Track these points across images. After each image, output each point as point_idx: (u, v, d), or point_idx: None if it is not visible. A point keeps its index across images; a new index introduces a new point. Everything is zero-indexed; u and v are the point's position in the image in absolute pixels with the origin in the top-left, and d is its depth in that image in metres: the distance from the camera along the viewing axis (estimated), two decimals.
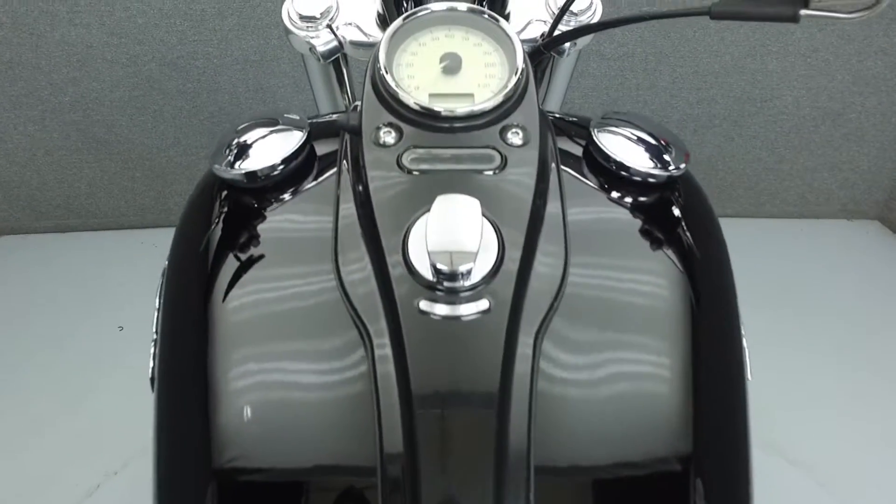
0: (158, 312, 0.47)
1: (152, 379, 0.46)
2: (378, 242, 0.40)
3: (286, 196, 0.48)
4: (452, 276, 0.37)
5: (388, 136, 0.44)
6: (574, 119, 0.58)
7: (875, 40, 1.55)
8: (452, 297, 0.38)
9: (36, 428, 1.37)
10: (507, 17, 0.62)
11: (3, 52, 1.50)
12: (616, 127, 0.51)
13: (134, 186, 1.73)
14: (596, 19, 0.63)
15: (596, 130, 0.51)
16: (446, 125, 0.44)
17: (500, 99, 0.44)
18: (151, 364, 0.47)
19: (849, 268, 1.72)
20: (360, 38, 0.63)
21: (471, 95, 0.46)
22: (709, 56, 1.56)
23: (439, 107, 0.44)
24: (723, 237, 0.51)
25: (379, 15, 0.62)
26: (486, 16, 0.49)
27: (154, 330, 0.47)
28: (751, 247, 1.75)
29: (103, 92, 1.57)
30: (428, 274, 0.38)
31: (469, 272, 0.37)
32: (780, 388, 1.44)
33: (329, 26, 0.62)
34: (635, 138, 0.51)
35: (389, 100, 0.45)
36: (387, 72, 0.45)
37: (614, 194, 0.49)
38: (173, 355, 0.44)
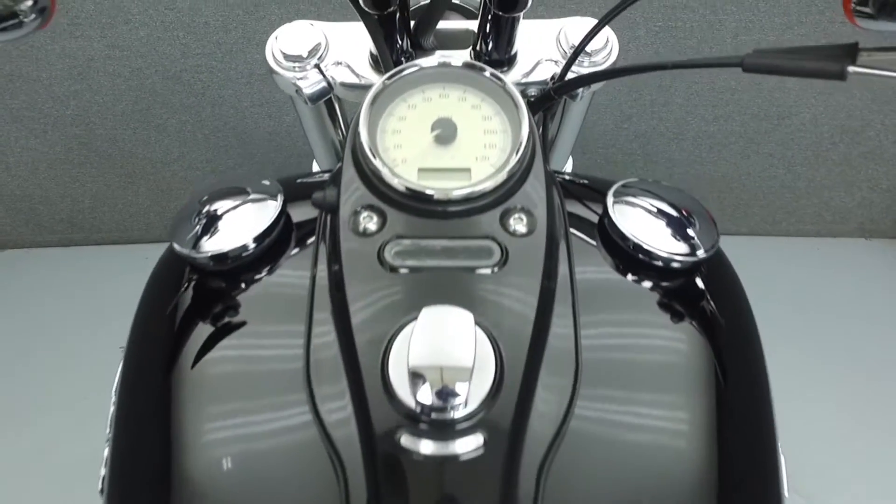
0: (114, 408, 0.41)
1: (102, 490, 0.40)
2: (355, 357, 0.34)
3: (259, 278, 0.42)
4: (439, 406, 0.31)
5: (370, 222, 0.37)
6: (588, 183, 0.52)
7: None
8: (440, 431, 0.32)
9: (34, 452, 1.34)
10: (513, 58, 0.57)
11: (2, 64, 1.47)
12: (636, 198, 0.45)
13: (138, 201, 1.70)
14: (612, 60, 0.57)
15: (613, 202, 0.45)
16: (438, 209, 0.37)
17: (501, 178, 0.38)
18: (102, 472, 0.41)
19: (866, 287, 1.68)
20: (352, 79, 0.56)
21: (467, 171, 0.40)
22: (725, 72, 1.52)
23: (430, 188, 0.37)
24: (756, 330, 0.44)
25: (372, 55, 0.57)
26: (486, 74, 0.42)
27: (108, 429, 0.41)
28: (765, 266, 1.71)
29: (105, 105, 1.54)
30: (410, 401, 0.32)
31: (459, 401, 0.31)
32: (797, 418, 1.40)
33: (317, 66, 0.56)
34: (656, 211, 0.44)
35: (372, 177, 0.38)
36: (370, 149, 0.39)
37: (633, 281, 0.42)
38: (130, 456, 0.38)
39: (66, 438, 1.31)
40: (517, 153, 0.39)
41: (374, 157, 0.39)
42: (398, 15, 0.49)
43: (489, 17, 0.51)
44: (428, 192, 0.38)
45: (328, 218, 0.41)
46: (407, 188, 0.38)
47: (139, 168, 1.65)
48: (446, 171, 0.40)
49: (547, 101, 0.54)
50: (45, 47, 1.44)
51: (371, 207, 0.38)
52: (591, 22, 0.57)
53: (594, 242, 0.45)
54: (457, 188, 0.38)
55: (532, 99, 0.55)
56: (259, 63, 1.49)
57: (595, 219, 0.46)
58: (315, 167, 0.74)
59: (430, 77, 0.43)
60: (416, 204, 0.38)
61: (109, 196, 1.69)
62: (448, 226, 0.37)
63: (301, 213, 0.46)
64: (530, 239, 0.37)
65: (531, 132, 0.40)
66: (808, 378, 1.48)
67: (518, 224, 0.38)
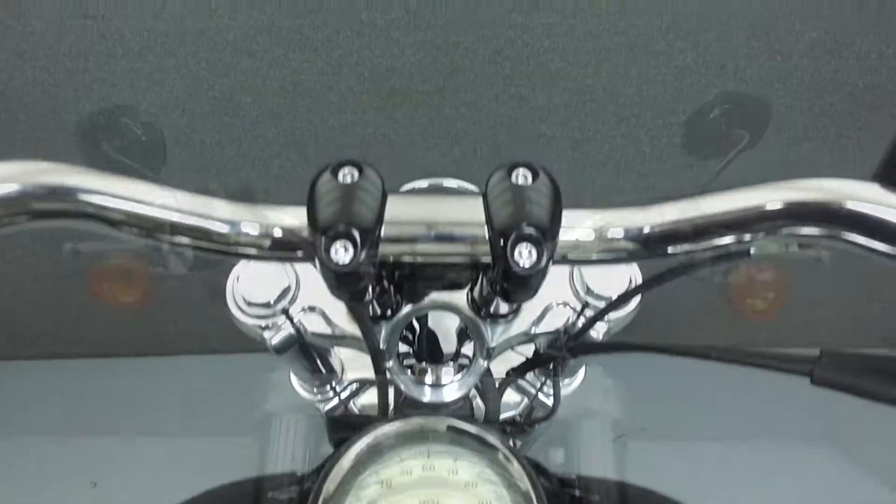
0: None
1: None
2: None
3: None
4: None
5: None
6: None
7: None
8: None
9: None
10: (518, 308, 0.48)
11: None
12: None
13: (125, 313, 1.63)
14: (633, 306, 0.49)
15: None
16: None
17: None
18: None
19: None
20: (325, 329, 0.48)
21: None
22: None
23: None
24: None
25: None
26: (497, 454, 0.34)
27: None
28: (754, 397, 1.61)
29: None
30: None
31: None
32: None
33: (285, 311, 0.48)
34: None
35: None
36: None
37: None
38: None
39: None
40: None
41: None
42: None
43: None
44: None
45: None
46: None
47: None
48: None
49: (558, 357, 0.46)
50: None
51: None
52: None
53: None
54: None
55: (541, 351, 0.49)
56: (257, 178, 1.46)
57: None
58: (293, 382, 0.66)
59: (409, 438, 0.34)
60: None
61: (95, 308, 1.63)
62: None
63: None
64: None
65: None
66: None
67: None
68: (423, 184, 0.45)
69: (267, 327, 0.48)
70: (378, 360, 0.44)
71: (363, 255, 0.31)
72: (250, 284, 0.49)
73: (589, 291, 0.48)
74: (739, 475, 1.44)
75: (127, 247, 0.50)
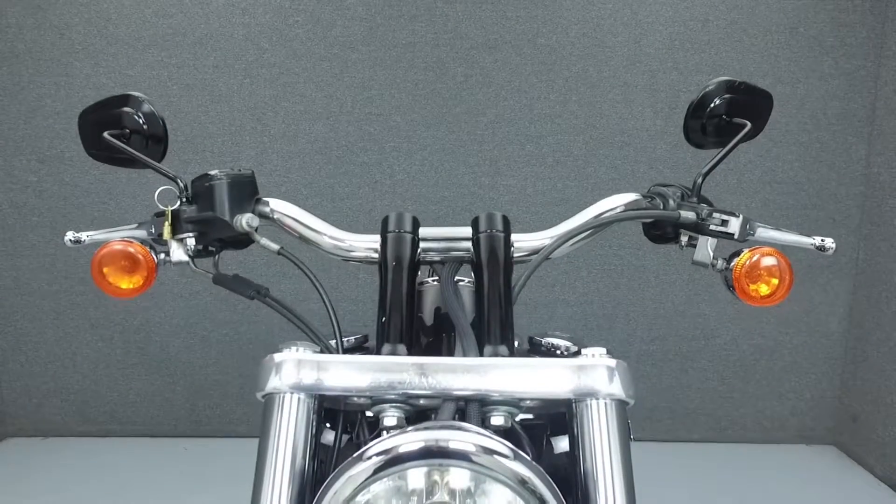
0: None
1: None
2: None
3: None
4: None
5: None
6: None
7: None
8: None
9: None
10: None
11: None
12: None
13: (174, 398, 2.01)
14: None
15: None
16: None
17: None
18: None
19: (807, 491, 1.81)
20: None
21: None
22: (654, 303, 1.92)
23: None
24: None
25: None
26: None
27: None
28: (713, 471, 1.88)
29: (165, 319, 1.95)
30: None
31: None
32: None
33: None
34: None
35: None
36: None
37: None
38: None
39: None
40: None
41: None
42: None
43: None
44: None
45: None
46: None
47: (180, 370, 1.99)
48: None
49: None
50: None
51: None
52: None
53: None
54: None
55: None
56: (291, 291, 1.92)
57: None
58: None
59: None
60: None
61: (150, 393, 2.01)
62: None
63: None
64: None
65: None
66: None
67: None
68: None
69: None
70: None
71: None
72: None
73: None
74: None
75: (128, 234, 0.64)
